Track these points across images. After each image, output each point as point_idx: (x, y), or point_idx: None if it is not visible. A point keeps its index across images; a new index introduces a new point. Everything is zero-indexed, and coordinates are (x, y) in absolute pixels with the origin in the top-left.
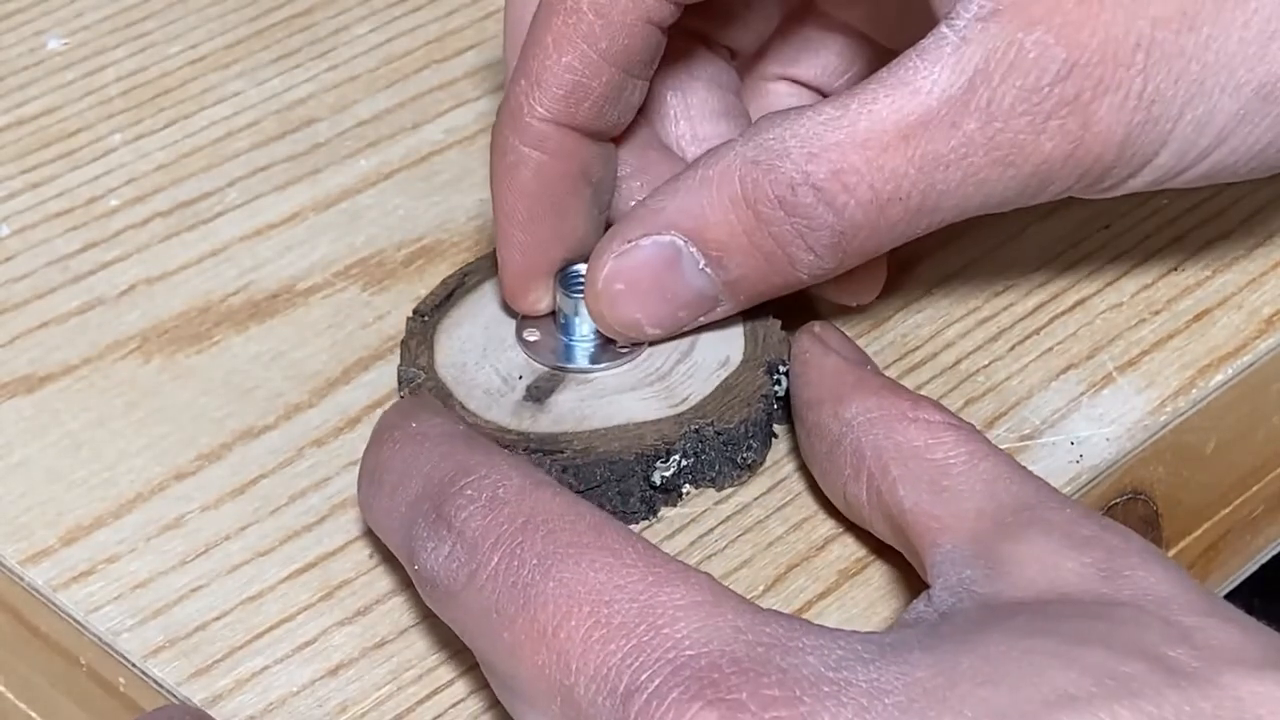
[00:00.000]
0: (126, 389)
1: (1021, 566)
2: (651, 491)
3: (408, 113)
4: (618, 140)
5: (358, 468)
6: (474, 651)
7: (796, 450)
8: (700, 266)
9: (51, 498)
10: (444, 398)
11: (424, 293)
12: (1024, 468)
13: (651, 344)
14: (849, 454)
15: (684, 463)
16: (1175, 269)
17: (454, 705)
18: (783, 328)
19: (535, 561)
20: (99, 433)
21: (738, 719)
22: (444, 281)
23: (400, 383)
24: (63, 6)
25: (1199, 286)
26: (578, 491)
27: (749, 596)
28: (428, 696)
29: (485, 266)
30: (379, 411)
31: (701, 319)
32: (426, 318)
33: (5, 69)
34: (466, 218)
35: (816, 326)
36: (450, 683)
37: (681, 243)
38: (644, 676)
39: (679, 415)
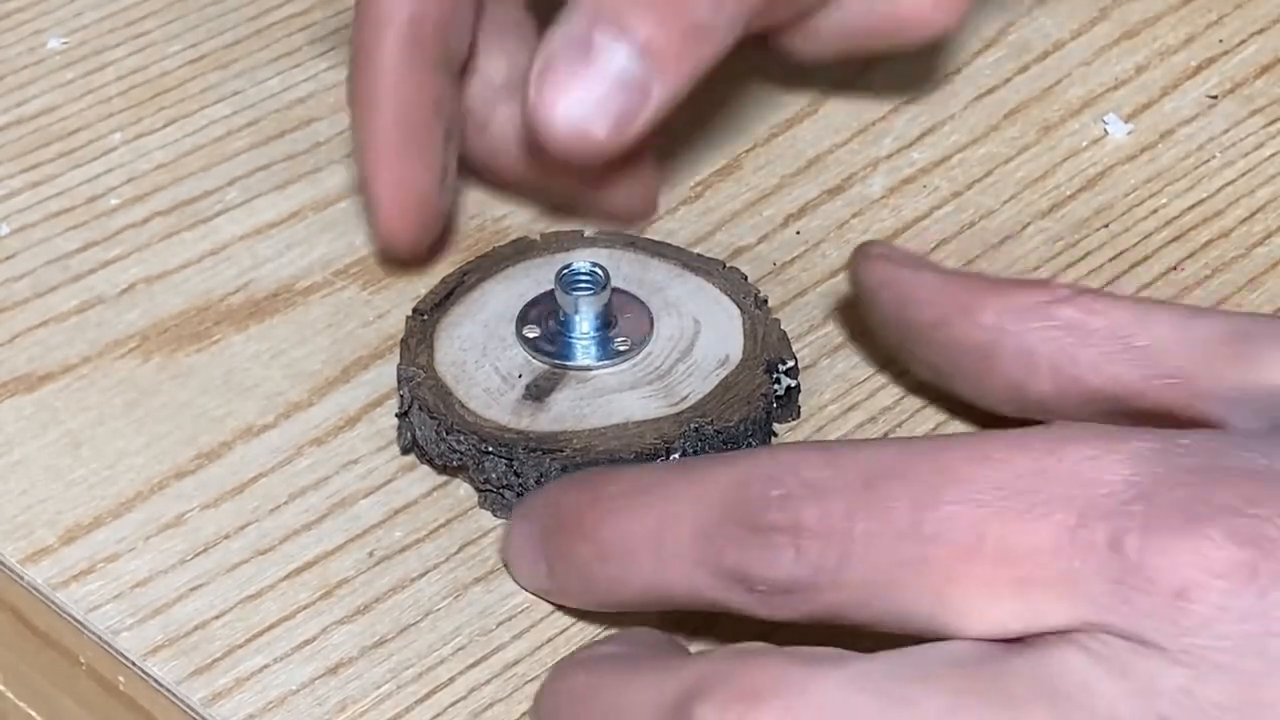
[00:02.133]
0: (126, 388)
1: None
2: None
3: None
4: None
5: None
6: (868, 617)
7: None
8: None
9: (51, 496)
10: (444, 396)
11: (423, 291)
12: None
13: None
14: (1015, 358)
15: None
16: (1175, 269)
17: (453, 704)
18: (782, 326)
19: (908, 505)
20: (99, 431)
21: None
22: (444, 280)
23: (400, 382)
24: (62, 6)
25: (1199, 286)
26: None
27: None
28: (427, 695)
29: (485, 265)
30: (379, 410)
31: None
32: (426, 316)
33: (5, 69)
34: (466, 217)
35: (875, 249)
36: (450, 681)
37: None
38: (1136, 510)
39: (678, 414)
